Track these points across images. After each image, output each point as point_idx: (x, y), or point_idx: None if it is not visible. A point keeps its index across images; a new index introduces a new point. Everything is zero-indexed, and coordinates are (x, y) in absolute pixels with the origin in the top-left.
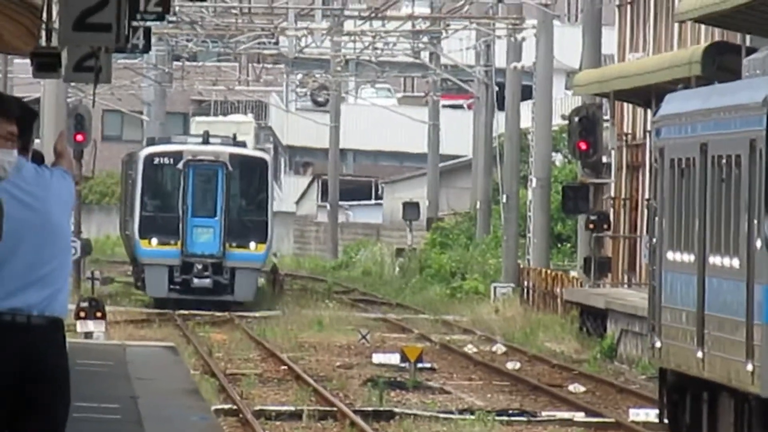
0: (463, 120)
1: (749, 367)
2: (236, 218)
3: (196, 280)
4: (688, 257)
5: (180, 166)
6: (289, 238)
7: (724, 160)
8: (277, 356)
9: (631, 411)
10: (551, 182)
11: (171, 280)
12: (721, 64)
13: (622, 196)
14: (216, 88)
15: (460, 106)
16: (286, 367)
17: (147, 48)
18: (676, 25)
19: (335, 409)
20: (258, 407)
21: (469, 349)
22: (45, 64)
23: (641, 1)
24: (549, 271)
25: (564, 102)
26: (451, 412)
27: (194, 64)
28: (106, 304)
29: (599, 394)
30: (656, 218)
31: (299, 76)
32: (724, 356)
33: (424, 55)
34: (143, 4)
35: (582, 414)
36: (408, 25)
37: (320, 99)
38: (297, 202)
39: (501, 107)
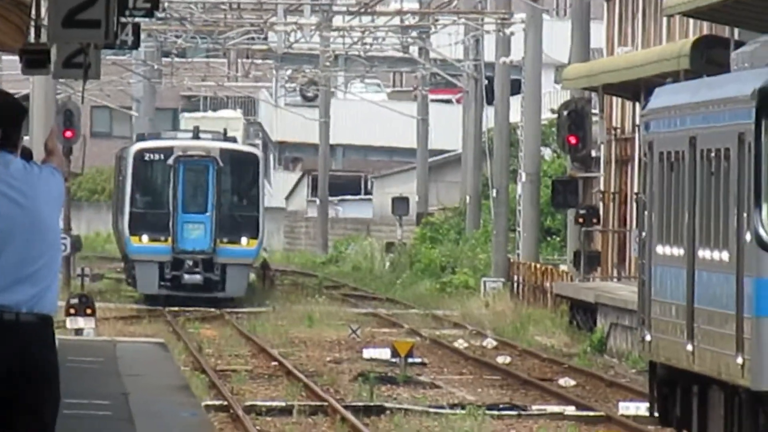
0: (452, 114)
1: (739, 360)
2: (227, 214)
3: (186, 277)
4: (678, 251)
5: (170, 161)
6: (279, 234)
7: (713, 154)
8: (268, 352)
9: (621, 404)
10: (541, 176)
11: (162, 277)
12: (709, 57)
13: (612, 190)
14: (205, 84)
15: (449, 101)
16: (276, 363)
17: (136, 44)
18: (665, 18)
19: (326, 404)
20: (248, 403)
21: (460, 343)
22: (34, 60)
23: None
24: (539, 266)
25: (553, 96)
26: (442, 407)
27: (183, 60)
28: (96, 300)
29: (589, 388)
30: (645, 212)
31: (288, 72)
32: (713, 349)
33: (413, 50)
34: (132, 0)
35: (572, 408)
36: (397, 20)
37: (309, 94)
38: (287, 198)
39: (490, 102)
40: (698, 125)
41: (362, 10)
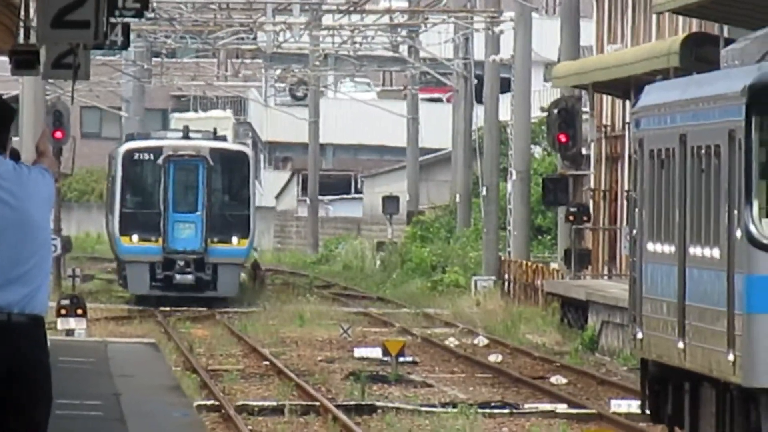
0: (442, 113)
1: (730, 357)
2: (218, 213)
3: (178, 277)
4: (669, 248)
5: (160, 161)
6: (269, 233)
7: (703, 151)
8: (259, 351)
9: (613, 402)
10: (531, 174)
11: (153, 277)
12: (699, 54)
13: (602, 187)
14: (195, 84)
15: (439, 100)
16: (267, 362)
17: (125, 44)
18: (654, 16)
19: (317, 403)
20: (240, 402)
21: (451, 342)
22: (23, 61)
23: None
24: (529, 264)
25: (543, 94)
26: (434, 406)
27: (173, 60)
28: (87, 301)
29: (581, 386)
30: (636, 209)
31: (278, 71)
32: (705, 346)
33: (403, 49)
34: (121, 0)
35: (564, 405)
36: (386, 19)
37: (299, 94)
38: (277, 197)
39: (480, 100)
40: (688, 122)
41: (351, 8)
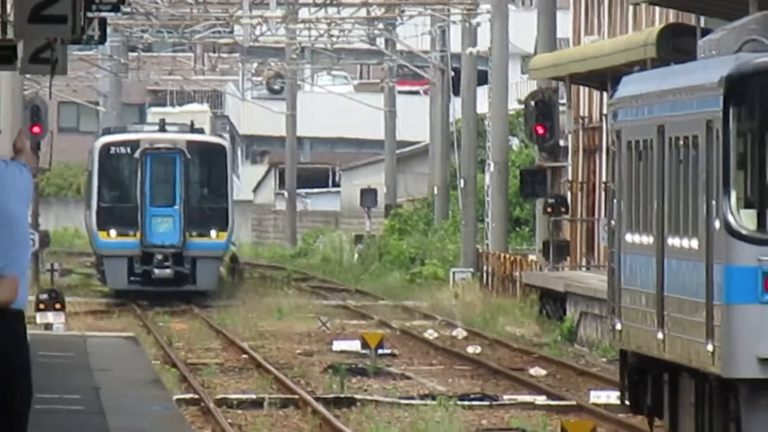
0: (419, 106)
1: (709, 348)
2: (196, 206)
3: (156, 271)
4: (647, 239)
5: (137, 155)
6: (247, 227)
7: (681, 142)
8: (238, 345)
9: (592, 393)
10: (509, 166)
11: (131, 272)
12: (676, 45)
13: (580, 179)
14: (172, 78)
15: (416, 92)
16: (246, 356)
17: (102, 39)
18: (631, 7)
19: (297, 396)
20: (219, 396)
21: (430, 334)
22: (0, 56)
23: None
24: (508, 256)
25: (520, 86)
26: (413, 398)
27: (150, 54)
28: (66, 295)
29: (560, 377)
30: (614, 201)
31: (255, 65)
32: (684, 337)
33: (380, 42)
34: None
35: (543, 397)
36: (363, 12)
37: (276, 87)
38: (254, 191)
39: (457, 92)
40: (666, 113)
41: (328, 2)
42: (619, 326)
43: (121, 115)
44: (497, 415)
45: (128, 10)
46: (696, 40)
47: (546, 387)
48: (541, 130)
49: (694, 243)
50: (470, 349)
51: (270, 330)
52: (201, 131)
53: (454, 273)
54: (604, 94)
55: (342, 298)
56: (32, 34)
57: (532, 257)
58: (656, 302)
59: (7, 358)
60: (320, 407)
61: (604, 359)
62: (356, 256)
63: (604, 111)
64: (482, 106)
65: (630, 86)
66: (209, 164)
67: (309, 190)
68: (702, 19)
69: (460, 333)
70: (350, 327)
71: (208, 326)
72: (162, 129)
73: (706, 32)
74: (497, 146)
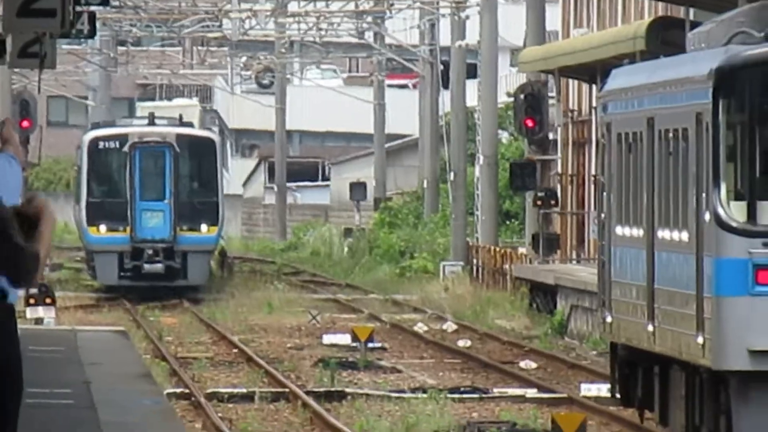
0: (408, 99)
1: (700, 340)
2: (186, 200)
3: (147, 266)
4: (637, 232)
5: (126, 149)
6: (236, 221)
7: (671, 134)
8: (228, 339)
9: (583, 386)
10: (498, 159)
11: (121, 267)
12: (665, 38)
13: (569, 172)
14: (161, 72)
15: (405, 86)
16: (237, 350)
17: (91, 33)
18: (620, 0)
19: (287, 390)
20: (210, 390)
21: (420, 327)
22: None
23: None
24: (498, 249)
25: (509, 79)
26: (403, 391)
27: (138, 48)
28: (56, 289)
29: (551, 370)
30: (604, 193)
31: (244, 59)
32: (674, 330)
33: (369, 36)
34: None
35: (534, 390)
36: (352, 6)
37: (265, 81)
38: (244, 185)
39: (446, 86)
40: (656, 106)
41: None
42: (609, 319)
43: (110, 110)
44: (488, 408)
45: (117, 3)
46: (685, 32)
47: (536, 380)
48: (530, 123)
49: (684, 235)
50: (460, 343)
51: (260, 324)
52: (190, 125)
53: (444, 266)
54: (594, 87)
55: (332, 292)
56: (21, 29)
57: (522, 250)
58: (646, 295)
59: None
60: (311, 401)
61: (595, 352)
62: (346, 249)
63: (594, 104)
64: (471, 100)
65: (619, 79)
66: (199, 158)
67: (298, 184)
68: (691, 11)
69: (450, 326)
70: (340, 321)
71: (198, 320)
72: (151, 123)
73: (695, 25)
74: (487, 139)
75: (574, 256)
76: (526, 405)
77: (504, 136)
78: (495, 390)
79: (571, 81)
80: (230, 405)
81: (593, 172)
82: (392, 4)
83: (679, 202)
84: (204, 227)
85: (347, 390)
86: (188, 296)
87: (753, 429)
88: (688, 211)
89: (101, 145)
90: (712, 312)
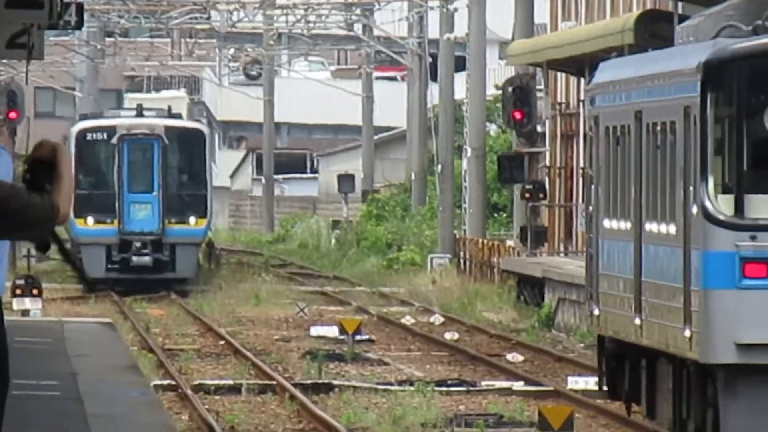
0: (397, 92)
1: (687, 333)
2: (174, 193)
3: (135, 259)
4: (625, 224)
5: (114, 140)
6: (224, 213)
7: (658, 127)
8: (215, 331)
9: (570, 379)
10: (486, 152)
11: (109, 260)
12: (653, 31)
13: (558, 165)
14: (149, 64)
15: (393, 78)
16: (224, 342)
17: (79, 24)
18: None
19: (274, 382)
20: (197, 382)
21: (407, 320)
22: None
23: None
24: (485, 241)
25: (497, 72)
26: (390, 384)
27: (126, 40)
28: (42, 281)
29: (538, 363)
30: (592, 186)
31: (232, 51)
32: (661, 323)
33: (357, 28)
34: None
35: (521, 383)
36: None
37: (253, 73)
38: (231, 177)
39: (434, 78)
40: (643, 99)
41: None
42: (596, 312)
43: (98, 101)
44: (475, 401)
45: None
46: (673, 26)
47: (523, 373)
48: (518, 116)
49: (672, 228)
50: (448, 335)
51: (247, 316)
52: (179, 116)
53: (431, 259)
54: (582, 80)
55: (320, 284)
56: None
57: (509, 243)
58: (634, 288)
59: None
60: (298, 393)
61: (582, 345)
62: (333, 241)
63: (582, 97)
64: (460, 92)
65: (607, 72)
66: (188, 150)
67: (286, 176)
68: (680, 5)
69: (437, 319)
70: (328, 313)
71: (185, 312)
72: (139, 114)
73: (683, 18)
74: (475, 132)
75: (561, 248)
76: (513, 398)
77: (492, 128)
78: (482, 383)
79: (559, 74)
80: (217, 397)
81: (581, 165)
82: None
83: (667, 196)
84: (192, 220)
85: (334, 382)
86: (175, 288)
87: (740, 422)
88: (675, 204)
89: (89, 136)
90: (700, 305)
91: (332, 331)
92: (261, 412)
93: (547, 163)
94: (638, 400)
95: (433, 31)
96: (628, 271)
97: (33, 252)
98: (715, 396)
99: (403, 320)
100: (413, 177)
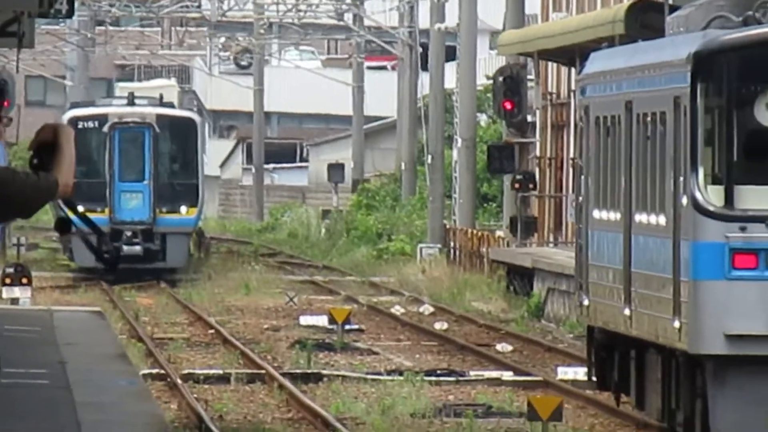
0: (387, 81)
1: (676, 324)
2: (166, 182)
3: (126, 248)
4: (615, 215)
5: (105, 129)
6: (214, 202)
7: (649, 118)
8: (205, 320)
9: (559, 369)
10: (476, 142)
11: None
12: (644, 22)
13: (548, 155)
14: (139, 53)
15: (384, 68)
16: (213, 331)
17: (70, 13)
18: None
19: (263, 371)
20: (186, 371)
21: (397, 310)
22: None
23: None
24: (475, 231)
25: (488, 62)
26: (380, 373)
27: (117, 28)
28: (32, 269)
29: (527, 353)
30: (582, 177)
31: (222, 40)
32: (651, 313)
33: (348, 17)
34: None
35: (510, 373)
36: None
37: (244, 62)
38: (221, 166)
39: (425, 68)
40: (634, 89)
41: None
42: (586, 302)
43: (89, 90)
44: (464, 391)
45: None
46: (664, 16)
47: (513, 363)
48: (509, 106)
49: (662, 219)
50: (437, 325)
51: (237, 305)
52: (171, 105)
53: (421, 249)
54: (572, 70)
55: (309, 274)
56: None
57: (499, 233)
58: (623, 278)
59: None
60: (287, 382)
61: (571, 335)
62: (323, 231)
63: (572, 87)
64: (450, 82)
65: (598, 62)
66: (179, 139)
67: (276, 165)
68: None
69: (427, 309)
70: (317, 302)
71: (174, 301)
72: (131, 103)
73: (674, 9)
74: (465, 122)
75: (551, 239)
76: (503, 388)
77: (482, 118)
78: (471, 373)
79: (550, 64)
80: (206, 386)
81: (571, 155)
82: None
83: (657, 186)
84: (183, 209)
85: (324, 372)
86: (165, 277)
87: (728, 413)
88: (665, 194)
89: (80, 125)
90: (689, 296)
91: (322, 321)
92: (250, 402)
93: (538, 153)
94: (627, 391)
95: (423, 21)
96: (618, 262)
97: (23, 241)
98: (703, 387)
99: (392, 310)
100: (403, 167)
